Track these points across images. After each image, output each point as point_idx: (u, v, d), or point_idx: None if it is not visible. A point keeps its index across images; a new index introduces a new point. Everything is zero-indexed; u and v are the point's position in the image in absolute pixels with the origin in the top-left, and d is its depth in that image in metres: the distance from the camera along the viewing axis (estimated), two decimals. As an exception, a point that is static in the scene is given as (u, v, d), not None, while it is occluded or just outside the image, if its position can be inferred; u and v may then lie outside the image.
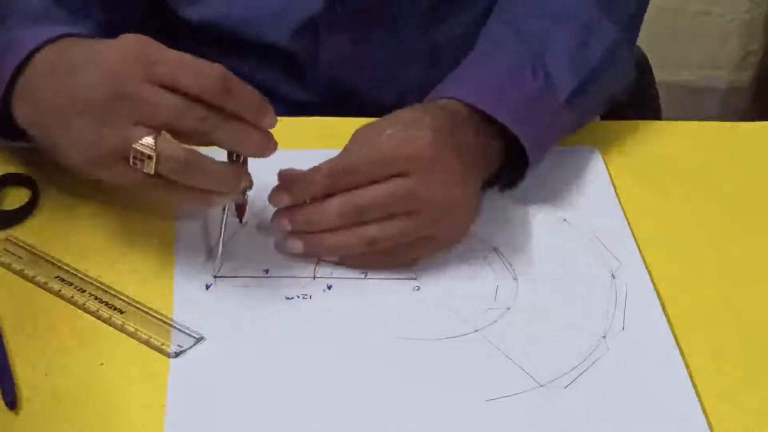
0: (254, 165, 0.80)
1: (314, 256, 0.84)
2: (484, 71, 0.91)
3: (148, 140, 0.74)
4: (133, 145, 0.74)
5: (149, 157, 0.74)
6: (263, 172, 0.80)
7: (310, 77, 1.05)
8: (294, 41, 1.03)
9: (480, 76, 0.91)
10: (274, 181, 0.84)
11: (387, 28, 1.03)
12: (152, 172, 0.75)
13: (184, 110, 0.74)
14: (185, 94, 0.74)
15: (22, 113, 0.82)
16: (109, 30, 0.82)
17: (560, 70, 0.91)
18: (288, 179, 0.83)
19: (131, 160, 0.75)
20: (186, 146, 0.76)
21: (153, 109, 0.75)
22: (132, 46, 0.76)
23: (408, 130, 0.83)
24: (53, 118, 0.79)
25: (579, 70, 0.92)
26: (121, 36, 0.77)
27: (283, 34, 1.03)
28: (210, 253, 0.84)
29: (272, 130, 0.78)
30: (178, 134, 0.76)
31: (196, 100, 0.75)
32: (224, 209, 0.83)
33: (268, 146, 0.77)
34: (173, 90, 0.75)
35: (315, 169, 0.82)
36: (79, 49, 0.80)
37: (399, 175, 0.81)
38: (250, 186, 0.81)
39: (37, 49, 0.81)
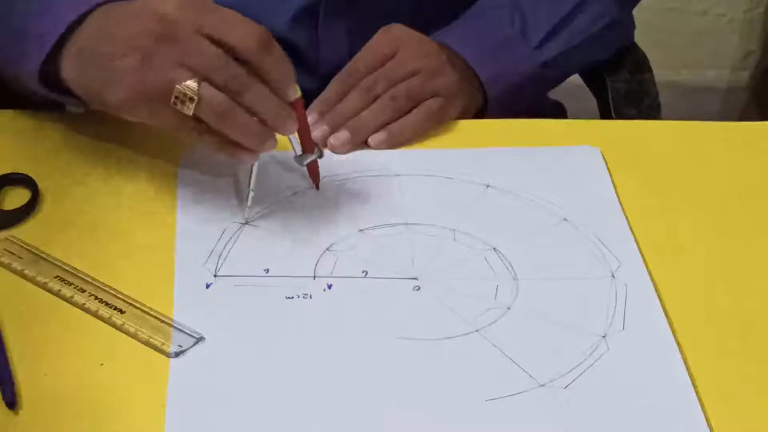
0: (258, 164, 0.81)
1: (358, 137, 0.96)
2: (470, 20, 1.07)
3: (191, 83, 0.79)
4: (177, 86, 0.79)
5: (191, 99, 0.79)
6: (268, 172, 0.80)
7: (310, 64, 1.06)
8: (293, 29, 1.04)
9: (464, 23, 1.07)
10: (274, 182, 0.84)
11: (385, 14, 1.04)
12: (191, 114, 0.79)
13: (221, 63, 0.80)
14: (227, 51, 0.79)
15: (69, 68, 0.85)
16: None
17: (535, 14, 1.06)
18: (312, 108, 0.97)
19: (172, 99, 0.79)
20: (229, 98, 0.80)
21: (197, 56, 0.79)
22: None
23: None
24: (101, 63, 0.82)
25: (552, 15, 1.06)
26: None
27: (283, 22, 1.03)
28: (213, 251, 0.84)
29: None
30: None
31: (235, 59, 0.80)
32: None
33: (288, 120, 0.82)
34: (217, 44, 0.80)
35: (329, 85, 0.98)
36: (131, 4, 0.84)
37: (392, 56, 0.98)
38: (320, 154, 0.89)
39: (90, 11, 0.85)
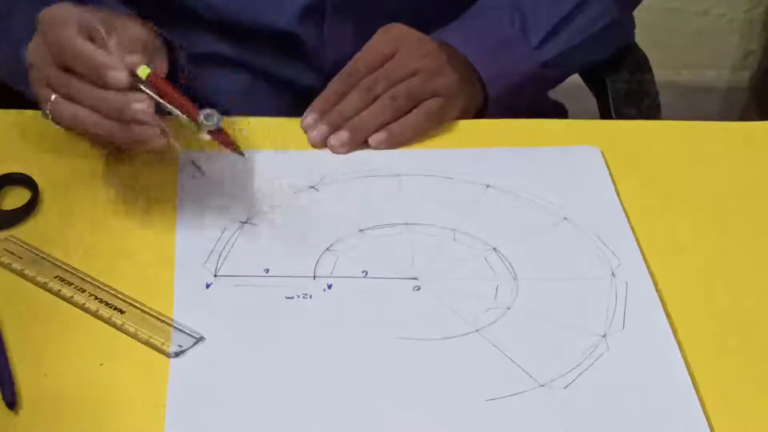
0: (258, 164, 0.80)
1: (358, 137, 0.95)
2: (469, 20, 1.07)
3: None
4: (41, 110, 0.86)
5: (47, 116, 0.85)
6: (268, 172, 0.80)
7: (315, 61, 1.06)
8: (300, 25, 1.04)
9: (464, 23, 1.07)
10: (274, 182, 0.84)
11: (387, 14, 1.03)
12: (61, 127, 0.86)
13: (52, 75, 0.84)
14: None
15: None
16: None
17: (535, 14, 1.06)
18: (312, 107, 0.98)
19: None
20: (73, 105, 0.83)
21: (35, 73, 0.86)
22: (43, 13, 0.86)
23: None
24: None
25: (552, 15, 1.06)
26: None
27: (289, 18, 1.03)
28: (213, 251, 0.84)
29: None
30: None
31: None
32: None
33: (130, 103, 0.81)
34: None
35: (329, 85, 0.99)
36: None
37: (392, 56, 0.98)
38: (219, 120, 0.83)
39: None
